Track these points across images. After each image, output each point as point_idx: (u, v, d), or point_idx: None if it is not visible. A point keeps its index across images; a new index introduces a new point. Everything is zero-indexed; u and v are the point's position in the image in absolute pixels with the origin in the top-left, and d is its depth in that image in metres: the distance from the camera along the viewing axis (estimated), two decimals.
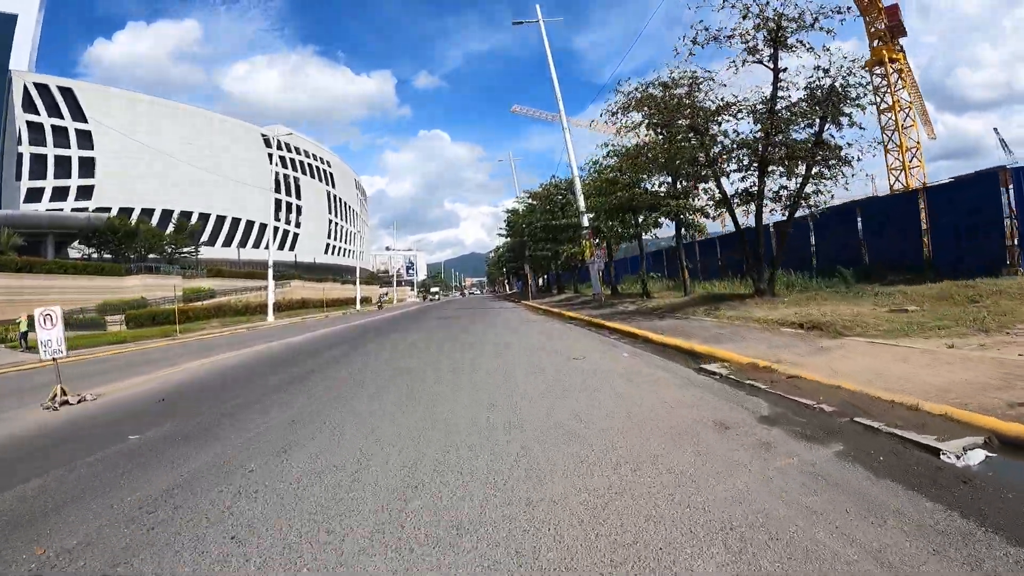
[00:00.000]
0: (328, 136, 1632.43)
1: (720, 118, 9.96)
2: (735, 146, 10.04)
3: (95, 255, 48.53)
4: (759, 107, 9.57)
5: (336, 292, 68.60)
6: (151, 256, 53.10)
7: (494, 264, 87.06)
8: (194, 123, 69.98)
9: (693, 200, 13.77)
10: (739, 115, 9.76)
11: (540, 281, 44.22)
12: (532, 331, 10.87)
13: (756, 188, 10.15)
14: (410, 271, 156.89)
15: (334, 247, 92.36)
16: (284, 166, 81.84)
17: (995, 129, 51.65)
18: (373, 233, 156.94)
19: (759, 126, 9.58)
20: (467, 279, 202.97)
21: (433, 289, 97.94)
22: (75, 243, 48.58)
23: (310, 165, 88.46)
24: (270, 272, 35.38)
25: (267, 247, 70.56)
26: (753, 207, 10.50)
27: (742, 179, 10.41)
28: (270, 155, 79.41)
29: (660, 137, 11.99)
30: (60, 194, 58.77)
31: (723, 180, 12.87)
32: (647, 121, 11.53)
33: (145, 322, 33.89)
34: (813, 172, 9.50)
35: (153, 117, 66.08)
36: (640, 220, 16.90)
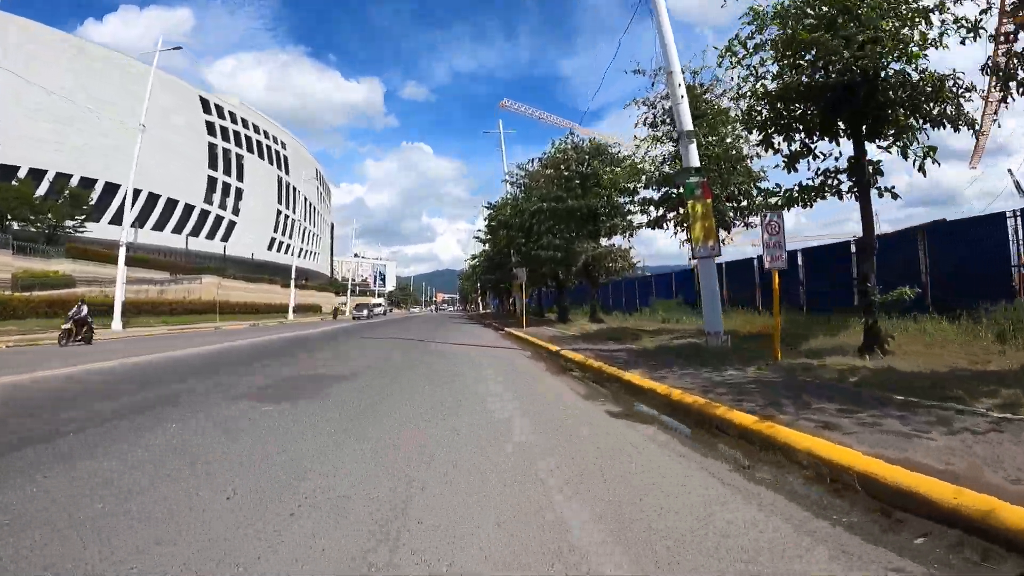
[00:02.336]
0: (313, 140, 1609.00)
1: None
2: None
3: None
4: None
5: (277, 296, 55.47)
6: (31, 229, 39.99)
7: (467, 278, 75.07)
8: (113, 74, 56.55)
9: None
10: None
11: (525, 299, 31.89)
12: None
13: None
14: (377, 281, 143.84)
15: (281, 243, 78.76)
16: (225, 139, 68.71)
17: (1009, 170, 43.87)
18: (346, 242, 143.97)
19: None
20: (439, 294, 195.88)
21: (375, 301, 66.02)
22: None
23: (259, 142, 75.21)
24: (121, 253, 22.89)
25: (195, 233, 57.09)
26: None
27: None
28: (209, 124, 66.57)
29: None
30: None
31: None
32: None
33: None
34: None
35: (62, 59, 52.44)
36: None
